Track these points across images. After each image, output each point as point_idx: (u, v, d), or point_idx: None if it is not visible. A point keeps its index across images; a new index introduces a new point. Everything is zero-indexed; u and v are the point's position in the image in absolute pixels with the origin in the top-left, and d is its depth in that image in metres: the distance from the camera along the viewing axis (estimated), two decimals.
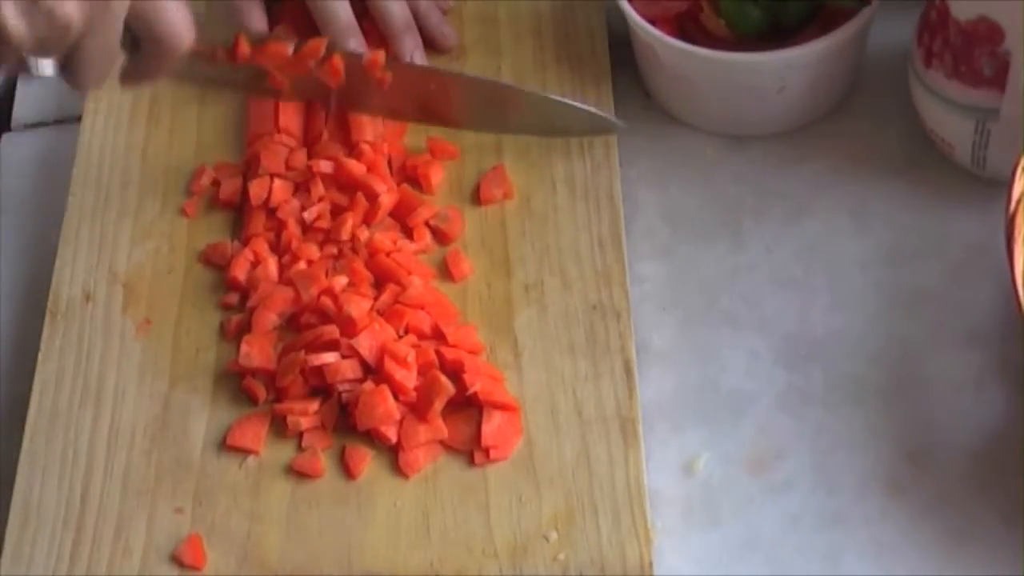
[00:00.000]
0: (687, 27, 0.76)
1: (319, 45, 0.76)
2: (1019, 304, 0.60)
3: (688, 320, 0.72)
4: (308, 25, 0.80)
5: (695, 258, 0.74)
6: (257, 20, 0.80)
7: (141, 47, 0.68)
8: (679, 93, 0.78)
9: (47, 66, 0.66)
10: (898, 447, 0.66)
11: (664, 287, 0.73)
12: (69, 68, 0.66)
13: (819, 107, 0.77)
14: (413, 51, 0.80)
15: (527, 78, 0.80)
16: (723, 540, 0.65)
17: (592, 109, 0.77)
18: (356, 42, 0.78)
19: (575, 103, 0.77)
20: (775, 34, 0.74)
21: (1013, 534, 0.63)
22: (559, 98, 0.77)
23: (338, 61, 0.76)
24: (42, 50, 0.64)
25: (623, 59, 0.80)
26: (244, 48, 0.75)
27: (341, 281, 0.72)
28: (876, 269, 0.72)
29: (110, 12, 0.65)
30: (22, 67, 0.65)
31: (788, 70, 0.74)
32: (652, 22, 0.75)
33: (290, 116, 0.79)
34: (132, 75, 0.70)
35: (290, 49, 0.76)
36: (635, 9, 0.76)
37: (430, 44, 0.82)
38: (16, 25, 0.62)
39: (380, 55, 0.77)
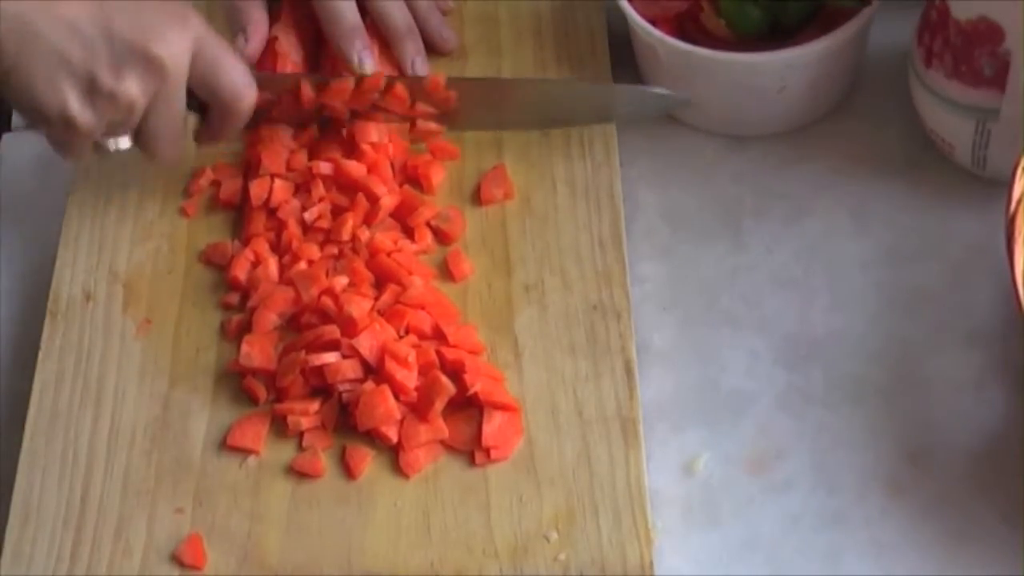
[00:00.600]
0: (687, 27, 0.76)
1: (379, 78, 0.76)
2: (1019, 304, 0.60)
3: (688, 320, 0.72)
4: (308, 25, 0.80)
5: (695, 258, 0.74)
6: (257, 19, 0.80)
7: (209, 109, 0.71)
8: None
9: (123, 141, 0.68)
10: (898, 447, 0.67)
11: (664, 287, 0.73)
12: (142, 141, 0.69)
13: (819, 107, 0.77)
14: (415, 56, 0.80)
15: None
16: (723, 540, 0.65)
17: (659, 90, 0.77)
18: (361, 43, 0.78)
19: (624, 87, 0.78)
20: (775, 34, 0.74)
21: (1013, 534, 0.63)
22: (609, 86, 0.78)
23: (402, 89, 0.76)
24: (112, 131, 0.67)
25: (623, 59, 0.80)
26: (308, 91, 0.76)
27: (342, 281, 0.72)
28: (876, 269, 0.72)
29: (169, 84, 0.68)
30: (99, 149, 0.68)
31: (788, 70, 0.74)
32: (652, 22, 0.75)
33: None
34: (206, 136, 0.73)
35: (351, 84, 0.76)
36: (635, 9, 0.76)
37: (430, 47, 0.81)
38: (82, 113, 0.65)
39: (441, 77, 0.77)
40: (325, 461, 0.68)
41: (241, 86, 0.71)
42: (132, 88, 0.66)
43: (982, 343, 0.69)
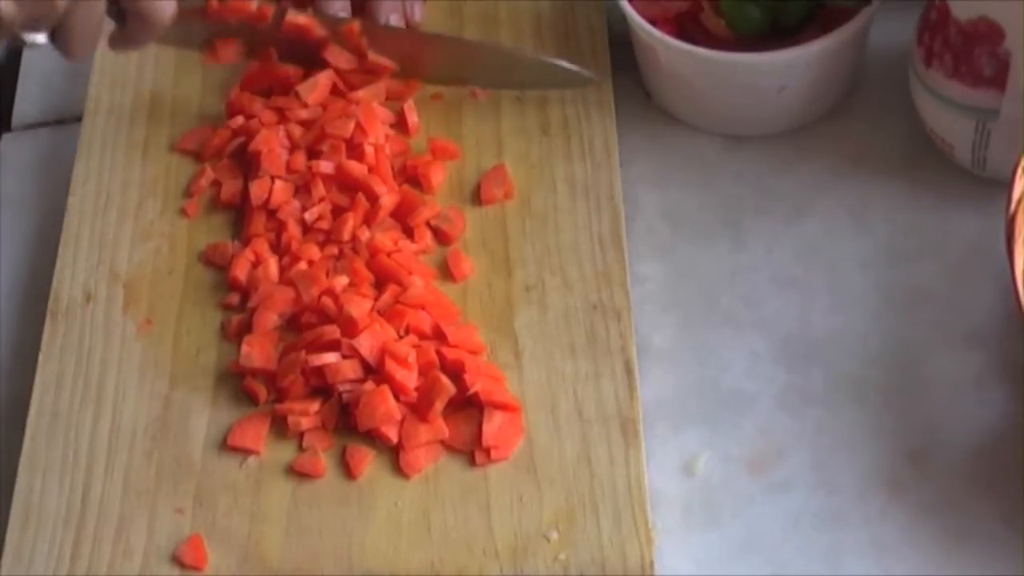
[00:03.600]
0: (687, 27, 0.76)
1: (268, 10, 0.79)
2: (1019, 304, 0.60)
3: (688, 320, 0.72)
4: None
5: (695, 258, 0.74)
6: None
7: (127, 17, 0.71)
8: (679, 93, 0.78)
9: (40, 37, 0.70)
10: (898, 447, 0.67)
11: (664, 287, 0.74)
12: (59, 39, 0.69)
13: (819, 107, 0.77)
14: (390, 14, 0.81)
15: None
16: (723, 540, 0.65)
17: (565, 64, 0.78)
18: (341, 5, 0.80)
19: (546, 59, 0.79)
20: (775, 34, 0.74)
21: (1013, 534, 0.63)
22: (529, 55, 0.79)
23: (311, 23, 0.78)
24: (32, 26, 0.68)
25: (623, 59, 0.80)
26: (214, 4, 0.78)
27: (342, 281, 0.72)
28: (876, 269, 0.72)
29: None
30: (16, 40, 0.70)
31: (789, 70, 0.74)
32: (652, 22, 0.75)
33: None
34: (120, 42, 0.73)
35: (254, 5, 0.79)
36: (635, 9, 0.76)
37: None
38: (6, 6, 0.66)
39: (356, 24, 0.78)
40: (325, 461, 0.68)
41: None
42: None
43: (982, 343, 0.69)
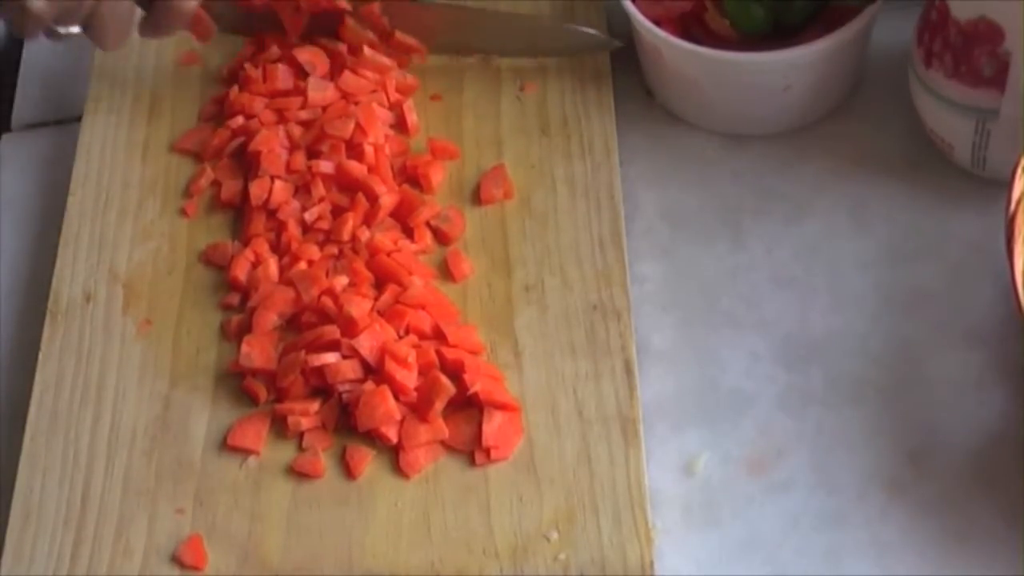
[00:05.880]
0: (691, 27, 0.76)
1: None
2: (1019, 304, 0.60)
3: (688, 320, 0.72)
4: None
5: (695, 258, 0.74)
6: None
7: (153, 4, 0.74)
8: (682, 92, 0.78)
9: (73, 28, 0.74)
10: (898, 447, 0.67)
11: (664, 287, 0.73)
12: (91, 31, 0.73)
13: (823, 106, 0.77)
14: None
15: (527, 77, 0.80)
16: (723, 540, 0.65)
17: (585, 29, 0.80)
18: None
19: (568, 25, 0.80)
20: (779, 33, 0.74)
21: (1013, 534, 0.63)
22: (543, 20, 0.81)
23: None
24: (64, 20, 0.72)
25: (623, 59, 0.80)
26: None
27: (342, 281, 0.72)
28: (876, 269, 0.72)
29: None
30: (51, 33, 0.73)
31: (793, 69, 0.74)
32: (656, 22, 0.75)
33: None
34: (149, 29, 0.76)
35: None
36: (639, 9, 0.76)
37: None
38: (38, 4, 0.70)
39: (377, 5, 0.80)
40: (325, 461, 0.68)
41: None
42: None
43: (982, 343, 0.69)
